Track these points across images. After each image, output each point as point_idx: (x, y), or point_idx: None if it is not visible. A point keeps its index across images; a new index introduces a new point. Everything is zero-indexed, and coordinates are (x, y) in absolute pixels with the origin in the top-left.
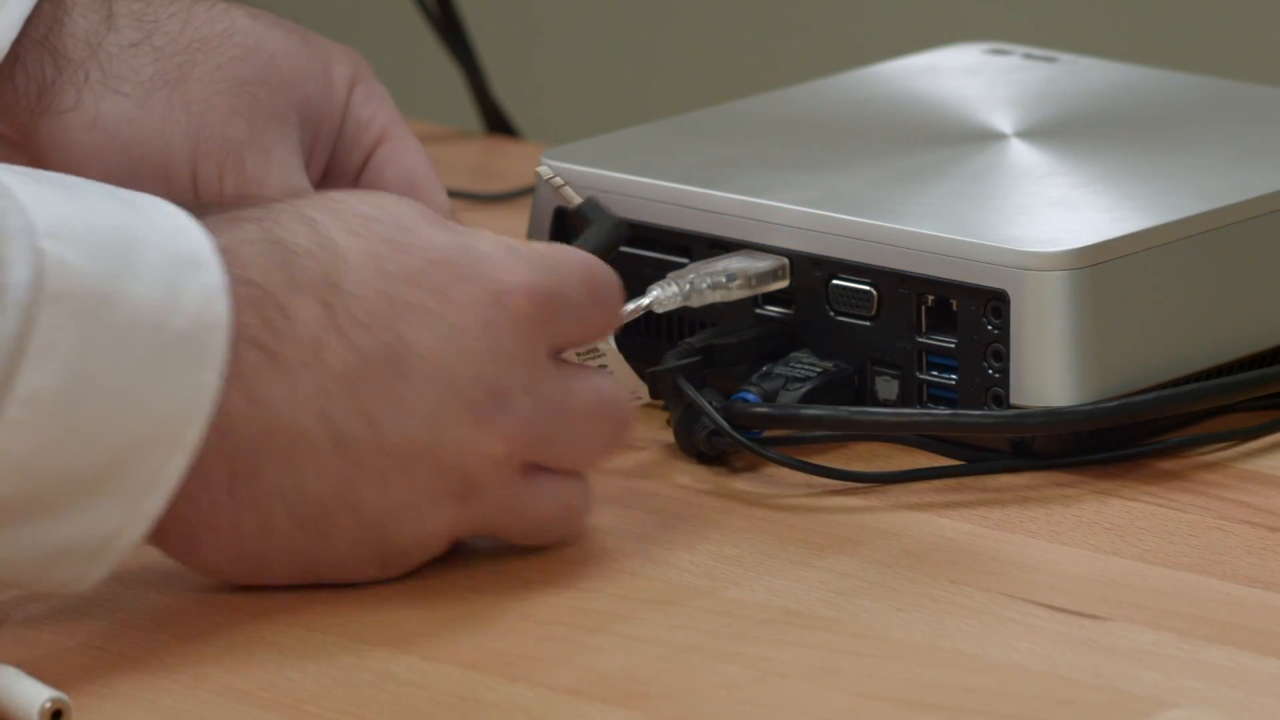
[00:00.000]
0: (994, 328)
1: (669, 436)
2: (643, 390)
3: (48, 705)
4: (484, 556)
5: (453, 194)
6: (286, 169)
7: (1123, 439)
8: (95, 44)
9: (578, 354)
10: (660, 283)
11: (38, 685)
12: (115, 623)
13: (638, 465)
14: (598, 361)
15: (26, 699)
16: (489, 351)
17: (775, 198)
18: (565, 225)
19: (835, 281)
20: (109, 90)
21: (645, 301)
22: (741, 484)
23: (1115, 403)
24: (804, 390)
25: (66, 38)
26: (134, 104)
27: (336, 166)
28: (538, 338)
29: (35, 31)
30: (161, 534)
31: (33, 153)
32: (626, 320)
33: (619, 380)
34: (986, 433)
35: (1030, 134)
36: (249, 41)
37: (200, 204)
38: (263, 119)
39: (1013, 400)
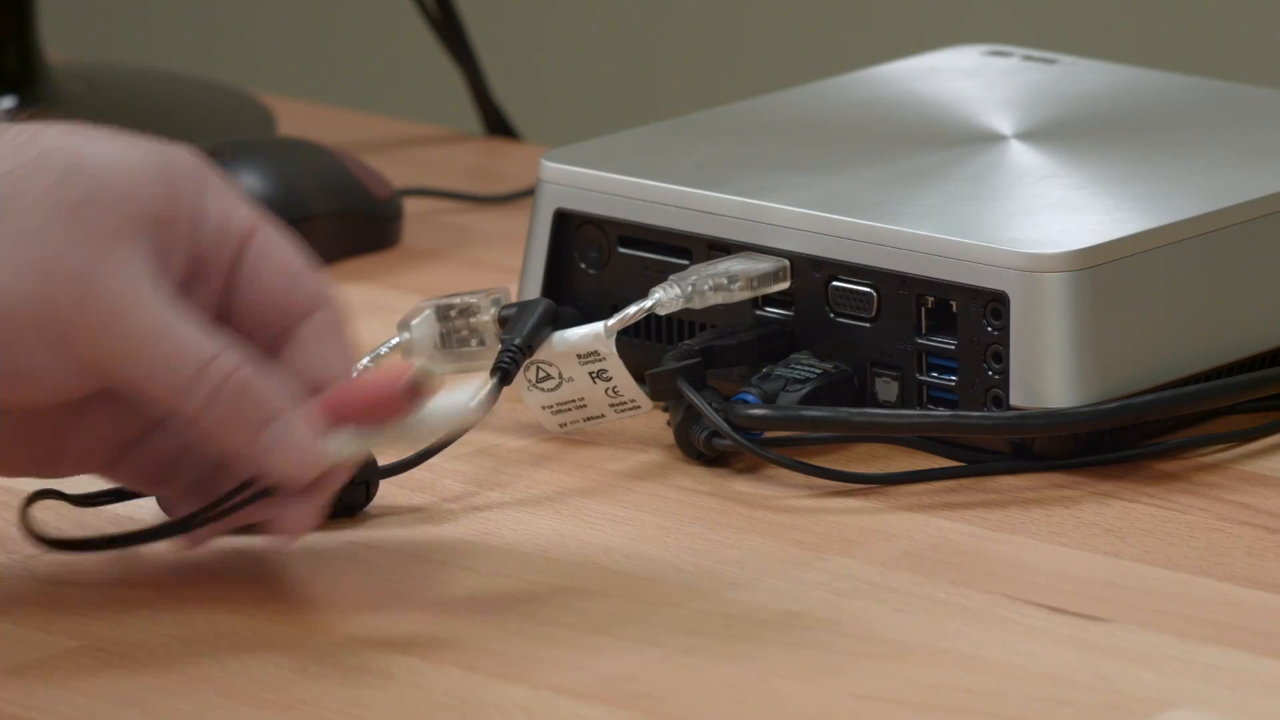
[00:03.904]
0: (994, 329)
1: (669, 438)
2: (643, 400)
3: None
4: (484, 557)
5: (452, 196)
6: (141, 286)
7: (1122, 440)
8: None
9: (578, 357)
10: (662, 285)
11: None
12: (115, 623)
13: (638, 466)
14: (596, 367)
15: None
16: None
17: (775, 199)
18: (566, 227)
19: (835, 283)
20: None
21: (648, 304)
22: (742, 485)
23: (1115, 404)
24: (804, 392)
25: None
26: None
27: (207, 267)
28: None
29: None
30: None
31: None
32: (629, 323)
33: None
34: (986, 434)
35: (1030, 136)
36: (68, 162)
37: None
38: (99, 240)
39: (1012, 402)
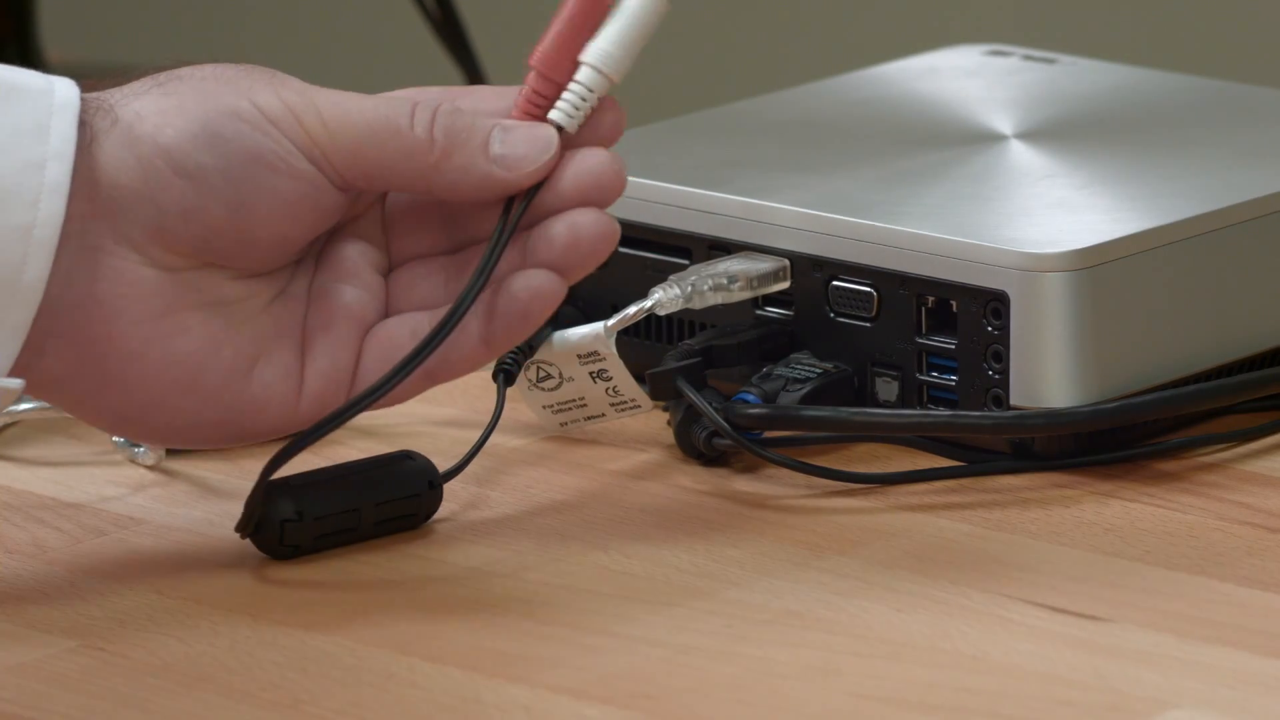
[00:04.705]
0: (994, 329)
1: (669, 437)
2: (643, 399)
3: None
4: (484, 557)
5: None
6: (318, 87)
7: (1123, 440)
8: (99, 93)
9: (578, 356)
10: (662, 285)
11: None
12: (115, 623)
13: (638, 466)
14: (597, 367)
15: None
16: None
17: (775, 199)
18: None
19: (835, 283)
20: (132, 98)
21: (648, 304)
22: (741, 485)
23: (1115, 404)
24: (804, 391)
25: (83, 98)
26: (158, 93)
27: None
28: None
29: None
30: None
31: (103, 197)
32: (629, 323)
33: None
34: (986, 434)
35: (1030, 135)
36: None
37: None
38: (266, 74)
39: (1012, 401)
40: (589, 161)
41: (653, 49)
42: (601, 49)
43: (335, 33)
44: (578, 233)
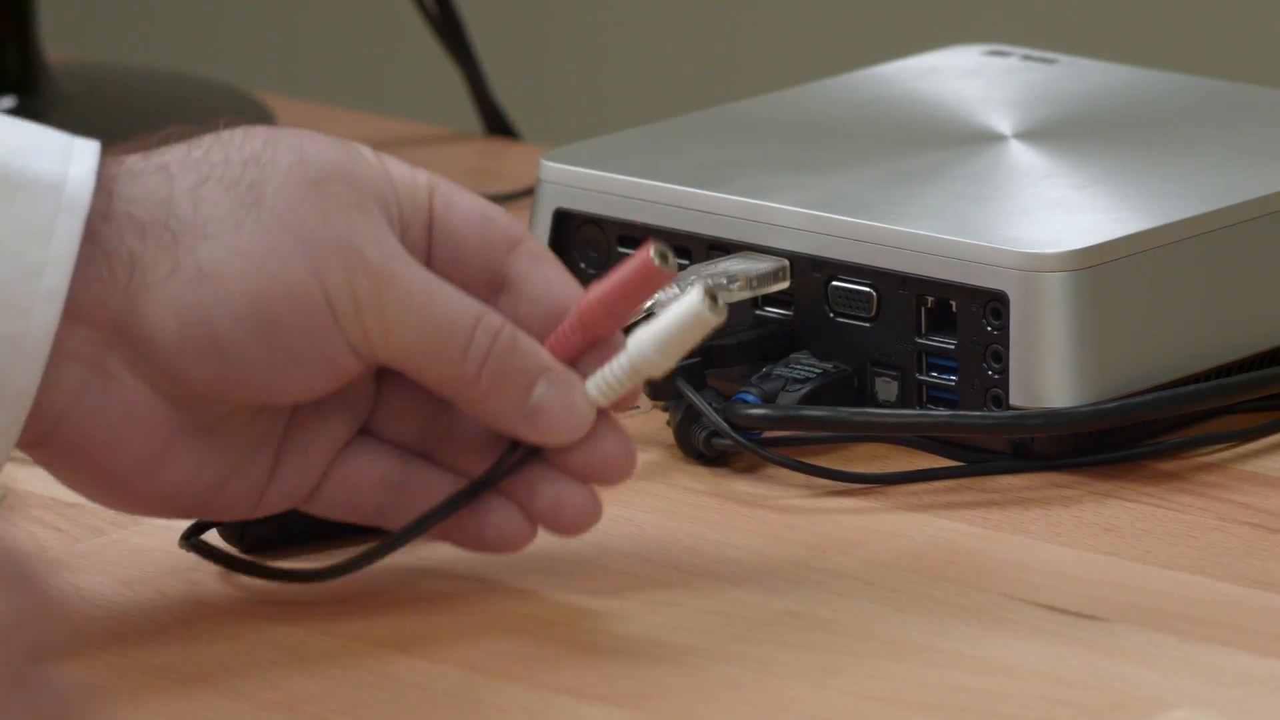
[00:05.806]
0: (993, 329)
1: (669, 438)
2: (643, 400)
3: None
4: (483, 557)
5: None
6: (399, 252)
7: (1122, 440)
8: (165, 198)
9: None
10: None
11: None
12: (115, 623)
13: (638, 466)
14: None
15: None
16: None
17: (775, 199)
18: (566, 227)
19: (835, 283)
20: (199, 239)
21: (647, 303)
22: (741, 485)
23: (1115, 404)
24: (804, 391)
25: (136, 202)
26: (229, 242)
27: (411, 232)
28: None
29: (101, 204)
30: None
31: (132, 338)
32: (628, 323)
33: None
34: (986, 434)
35: (1029, 135)
36: (296, 144)
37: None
38: (348, 213)
39: (1012, 401)
40: (606, 447)
41: (653, 48)
42: (646, 351)
43: (335, 32)
44: (561, 512)
